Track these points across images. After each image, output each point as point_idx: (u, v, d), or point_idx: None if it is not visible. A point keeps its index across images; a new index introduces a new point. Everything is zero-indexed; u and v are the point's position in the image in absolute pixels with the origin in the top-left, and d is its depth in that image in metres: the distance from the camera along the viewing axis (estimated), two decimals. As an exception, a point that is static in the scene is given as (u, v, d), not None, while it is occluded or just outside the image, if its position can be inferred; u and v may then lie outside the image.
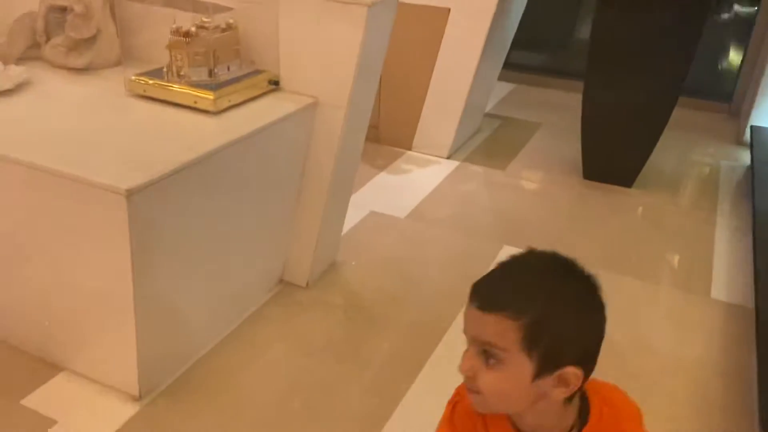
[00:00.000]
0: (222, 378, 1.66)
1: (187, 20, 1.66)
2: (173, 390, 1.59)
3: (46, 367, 1.61)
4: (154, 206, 1.30)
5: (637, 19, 2.51)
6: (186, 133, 1.50)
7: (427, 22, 2.79)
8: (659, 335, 1.94)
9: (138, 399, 1.54)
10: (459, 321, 1.91)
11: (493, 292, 0.81)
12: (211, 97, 1.57)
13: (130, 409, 1.52)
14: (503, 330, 0.76)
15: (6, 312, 1.63)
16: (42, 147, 1.37)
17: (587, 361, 0.81)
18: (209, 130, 1.53)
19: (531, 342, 0.76)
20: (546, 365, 0.77)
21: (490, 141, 3.35)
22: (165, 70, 1.65)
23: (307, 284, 2.06)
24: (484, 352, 0.79)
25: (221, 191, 1.53)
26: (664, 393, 1.70)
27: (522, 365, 0.77)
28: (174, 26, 1.62)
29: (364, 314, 1.99)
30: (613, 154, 2.81)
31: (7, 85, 1.62)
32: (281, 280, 2.06)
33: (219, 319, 1.78)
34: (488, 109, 3.58)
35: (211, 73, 1.63)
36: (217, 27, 1.65)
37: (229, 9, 1.67)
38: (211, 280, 1.66)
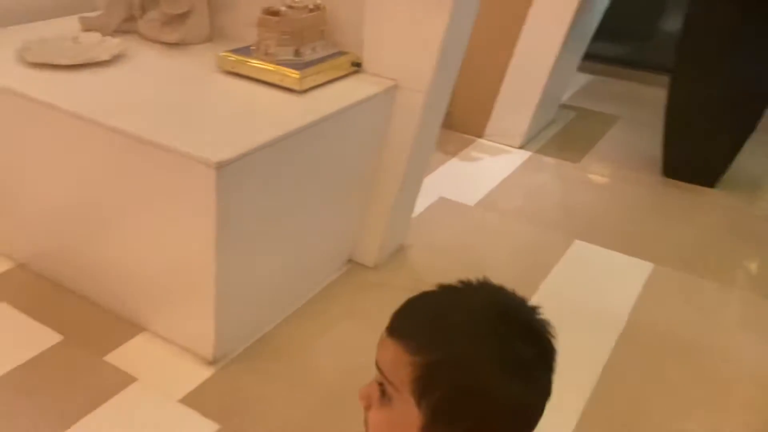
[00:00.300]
0: (292, 349, 1.71)
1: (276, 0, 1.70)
2: (245, 357, 1.65)
3: (129, 327, 1.70)
4: (240, 179, 1.35)
5: (733, 13, 2.39)
6: (271, 111, 1.54)
7: (509, 6, 2.74)
8: (736, 341, 1.86)
9: (212, 363, 1.61)
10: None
11: (406, 316, 0.68)
12: (297, 76, 1.60)
13: (204, 372, 1.59)
14: (398, 363, 0.65)
15: (95, 272, 1.72)
16: (136, 116, 1.43)
17: None
18: (293, 108, 1.56)
19: (423, 388, 0.62)
20: (436, 423, 0.63)
21: (564, 132, 3.28)
22: (253, 48, 1.69)
23: (375, 265, 2.08)
24: (381, 384, 0.68)
25: (302, 169, 1.57)
26: (739, 399, 1.64)
27: (409, 414, 0.64)
28: (264, 5, 1.66)
29: (430, 299, 1.99)
30: (697, 152, 2.69)
31: (105, 56, 1.70)
32: (350, 260, 2.09)
33: (290, 293, 1.83)
34: (564, 99, 3.50)
35: (297, 53, 1.66)
36: (305, 7, 1.68)
37: (317, -11, 1.69)
38: (286, 254, 1.70)
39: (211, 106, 1.55)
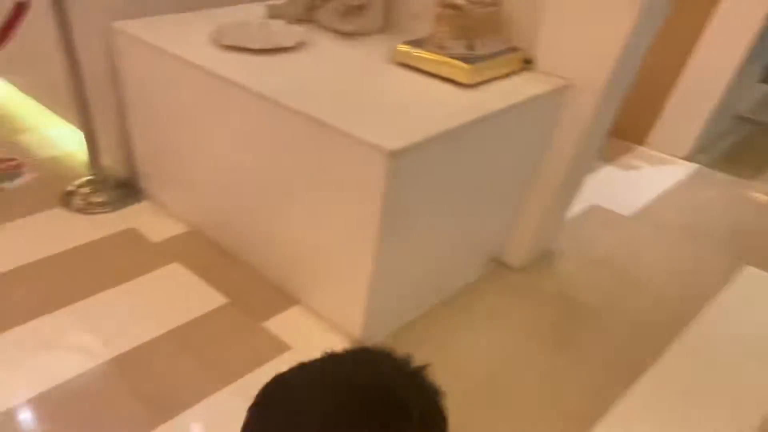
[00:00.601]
0: (434, 341, 1.72)
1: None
2: (390, 341, 1.70)
3: (286, 298, 1.81)
4: (409, 169, 1.37)
5: None
6: (441, 103, 1.55)
7: (692, 5, 2.55)
8: None
9: (360, 343, 1.66)
10: (683, 338, 1.78)
11: (263, 420, 0.61)
12: (468, 70, 1.60)
13: (351, 351, 1.65)
14: None
15: (260, 243, 1.85)
16: (316, 101, 1.50)
17: None
18: (462, 102, 1.56)
19: None
20: None
21: (739, 147, 3.00)
22: (427, 40, 1.71)
23: (521, 268, 2.04)
24: None
25: (465, 163, 1.57)
26: None
27: None
28: (443, -2, 1.67)
29: (579, 309, 1.92)
30: None
31: (289, 43, 1.81)
32: (494, 259, 2.07)
33: (436, 285, 1.84)
34: (742, 111, 3.20)
35: (470, 47, 1.66)
36: (482, 1, 1.67)
37: (499, -16, 1.67)
38: (438, 246, 1.72)
39: (384, 95, 1.59)
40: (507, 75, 1.70)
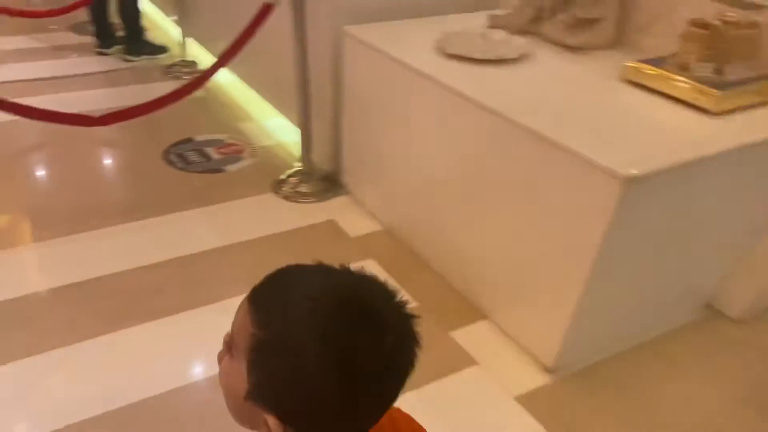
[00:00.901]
0: (634, 385, 1.59)
1: (702, 10, 1.56)
2: (584, 376, 1.59)
3: (473, 312, 1.78)
4: (641, 198, 1.27)
5: None
6: (681, 129, 1.42)
7: None
8: None
9: (550, 371, 1.58)
10: None
11: (265, 282, 0.67)
12: (716, 96, 1.45)
13: (540, 378, 1.58)
14: (242, 328, 0.65)
15: (454, 253, 1.83)
16: (540, 116, 1.45)
17: (306, 427, 0.63)
18: (706, 131, 1.42)
19: (252, 362, 0.63)
20: (254, 395, 0.64)
21: None
22: (667, 59, 1.58)
23: (740, 319, 1.82)
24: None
25: (699, 199, 1.42)
26: None
27: (242, 378, 0.64)
28: (690, 16, 1.54)
29: (808, 378, 1.67)
30: None
31: (512, 55, 1.77)
32: (710, 305, 1.86)
33: (641, 324, 1.70)
34: None
35: (717, 71, 1.50)
36: (738, 22, 1.50)
37: (764, 6, 1.50)
38: (651, 283, 1.58)
39: (614, 115, 1.50)
40: (760, 104, 1.52)
